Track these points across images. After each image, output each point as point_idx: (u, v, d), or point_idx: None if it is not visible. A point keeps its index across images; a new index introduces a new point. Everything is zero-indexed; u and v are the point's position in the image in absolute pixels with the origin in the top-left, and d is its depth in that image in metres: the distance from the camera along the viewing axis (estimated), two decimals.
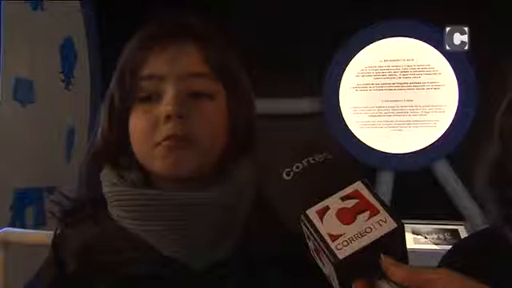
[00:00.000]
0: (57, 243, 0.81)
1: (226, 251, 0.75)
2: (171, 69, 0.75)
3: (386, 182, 3.10)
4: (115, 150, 0.80)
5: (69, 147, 2.64)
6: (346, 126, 3.12)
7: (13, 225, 2.17)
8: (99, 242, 0.77)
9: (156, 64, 0.76)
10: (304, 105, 3.21)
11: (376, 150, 3.10)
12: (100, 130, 0.82)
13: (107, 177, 0.79)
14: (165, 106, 0.74)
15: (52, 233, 0.84)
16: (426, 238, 2.57)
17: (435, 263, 0.86)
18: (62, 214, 0.83)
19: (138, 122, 0.76)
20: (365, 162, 3.07)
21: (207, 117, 0.76)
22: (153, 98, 0.76)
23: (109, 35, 2.91)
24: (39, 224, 2.39)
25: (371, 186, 0.56)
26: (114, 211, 0.77)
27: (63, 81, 2.58)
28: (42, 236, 1.95)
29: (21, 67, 2.28)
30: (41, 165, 2.41)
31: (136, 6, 3.27)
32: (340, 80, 3.13)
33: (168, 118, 0.73)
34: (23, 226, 2.25)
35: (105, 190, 0.78)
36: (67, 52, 2.60)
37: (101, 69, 2.86)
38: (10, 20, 2.19)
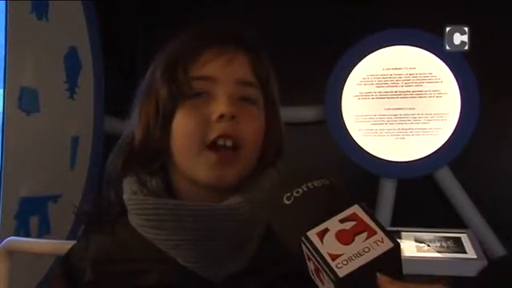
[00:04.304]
0: (72, 253, 0.82)
1: (242, 263, 0.75)
2: (225, 73, 0.79)
3: (388, 189, 3.10)
4: (152, 153, 0.80)
5: (73, 156, 2.66)
6: (349, 134, 3.13)
7: (17, 234, 2.18)
8: (116, 250, 0.78)
9: (211, 66, 0.79)
10: (306, 113, 3.22)
11: (378, 158, 3.11)
12: (140, 130, 0.80)
13: (129, 184, 0.79)
14: (218, 106, 0.76)
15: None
16: (428, 245, 2.56)
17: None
18: (88, 221, 0.84)
19: (184, 120, 0.77)
20: (367, 170, 3.08)
21: (254, 121, 0.79)
22: (202, 97, 0.78)
23: (112, 45, 2.94)
24: (43, 233, 2.40)
25: (368, 208, 0.59)
26: (134, 219, 0.78)
27: (68, 90, 2.60)
28: (47, 245, 1.96)
29: (26, 77, 2.29)
30: (45, 173, 2.42)
31: (138, 15, 3.29)
32: (342, 88, 3.15)
33: (221, 117, 0.75)
34: (27, 235, 2.26)
35: (125, 197, 0.79)
36: (72, 62, 2.62)
37: (104, 78, 2.87)
38: (16, 30, 2.21)
